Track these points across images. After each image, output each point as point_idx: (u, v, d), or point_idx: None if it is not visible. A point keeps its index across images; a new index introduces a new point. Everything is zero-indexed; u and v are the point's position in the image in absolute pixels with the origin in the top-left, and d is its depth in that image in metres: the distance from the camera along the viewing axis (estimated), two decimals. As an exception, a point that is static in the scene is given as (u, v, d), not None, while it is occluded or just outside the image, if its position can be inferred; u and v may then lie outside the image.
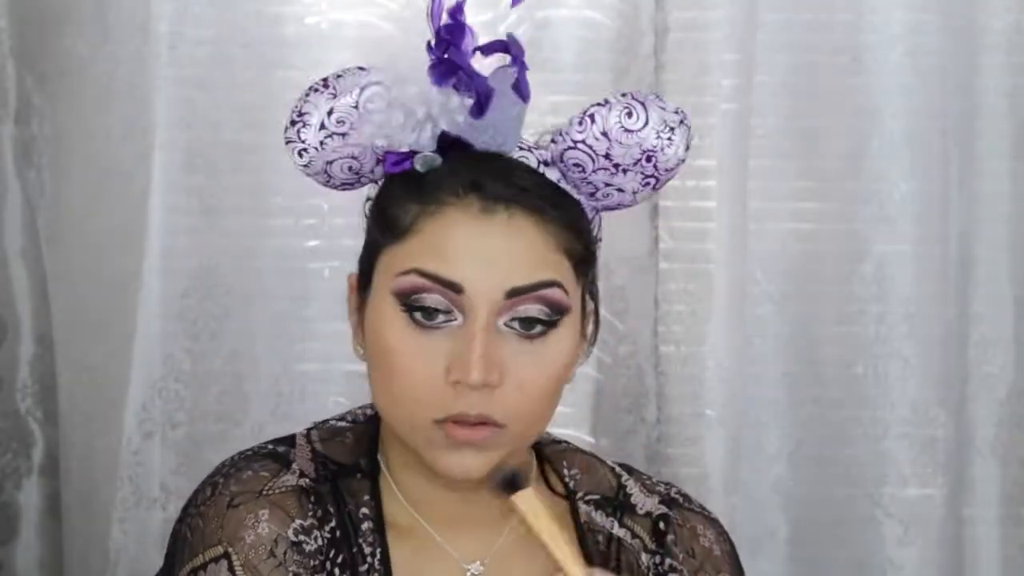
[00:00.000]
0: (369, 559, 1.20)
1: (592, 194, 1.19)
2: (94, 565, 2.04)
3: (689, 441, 2.07)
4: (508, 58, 1.20)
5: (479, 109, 1.16)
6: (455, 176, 1.15)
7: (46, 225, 2.05)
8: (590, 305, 1.23)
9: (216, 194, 2.03)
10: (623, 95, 1.17)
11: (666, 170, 1.18)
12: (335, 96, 1.15)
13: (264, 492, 1.20)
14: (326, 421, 1.28)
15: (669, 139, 1.17)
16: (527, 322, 1.15)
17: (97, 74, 2.00)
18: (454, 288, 1.13)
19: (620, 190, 1.19)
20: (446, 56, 1.15)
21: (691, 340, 2.07)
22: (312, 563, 1.18)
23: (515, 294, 1.14)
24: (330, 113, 1.15)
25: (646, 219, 2.06)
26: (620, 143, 1.16)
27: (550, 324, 1.16)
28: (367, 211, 1.22)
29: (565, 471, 1.30)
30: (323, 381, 2.05)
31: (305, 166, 1.18)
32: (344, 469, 1.23)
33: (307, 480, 1.21)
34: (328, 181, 1.19)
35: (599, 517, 1.29)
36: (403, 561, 1.21)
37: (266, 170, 2.03)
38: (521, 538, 1.23)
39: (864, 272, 2.11)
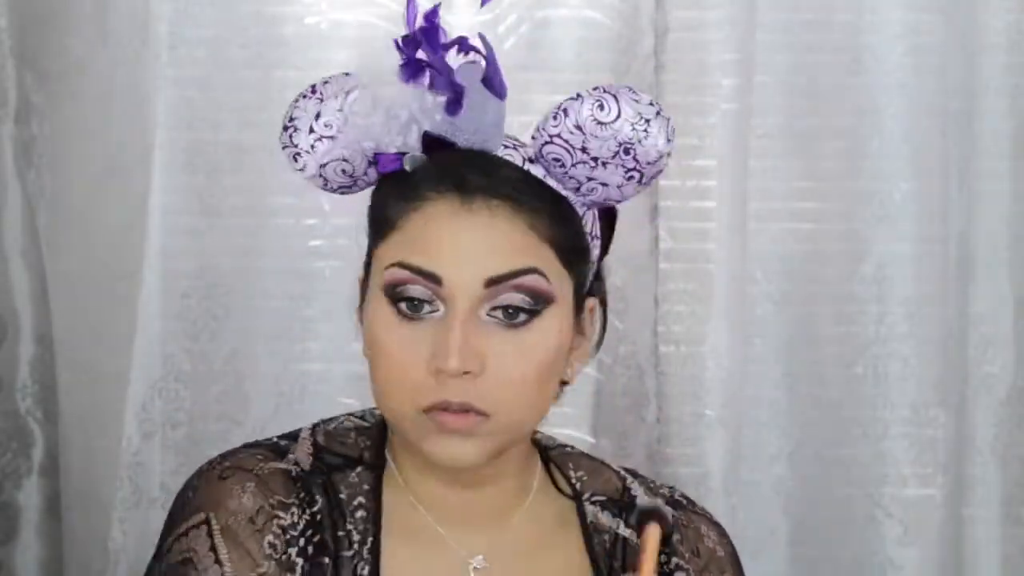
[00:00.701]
0: (357, 546, 1.22)
1: (577, 189, 1.20)
2: (94, 565, 2.04)
3: (689, 441, 2.07)
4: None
5: (454, 107, 1.17)
6: (438, 173, 1.17)
7: (46, 225, 2.05)
8: (590, 303, 1.24)
9: (216, 194, 2.03)
10: (595, 88, 1.17)
11: (648, 163, 1.18)
12: (322, 101, 1.19)
13: (254, 470, 1.22)
14: (335, 418, 1.30)
15: (645, 131, 1.16)
16: (510, 311, 1.17)
17: (97, 74, 2.00)
18: (433, 279, 1.15)
19: (604, 184, 1.19)
20: (415, 55, 1.17)
21: (691, 340, 2.07)
22: (286, 536, 1.20)
23: (493, 283, 1.15)
24: (318, 117, 1.18)
25: (646, 219, 2.06)
26: (595, 136, 1.16)
27: (533, 313, 1.17)
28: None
29: (571, 473, 1.31)
30: (323, 381, 2.05)
31: (300, 170, 1.21)
32: (345, 462, 1.25)
33: (298, 468, 1.23)
34: (325, 185, 1.22)
35: (605, 518, 1.30)
36: (404, 554, 1.22)
37: (266, 170, 2.02)
38: (527, 535, 1.25)
39: (864, 272, 2.11)
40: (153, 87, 2.00)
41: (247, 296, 2.05)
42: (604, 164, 1.17)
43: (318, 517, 1.22)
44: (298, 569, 1.20)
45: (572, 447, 1.35)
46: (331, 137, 1.19)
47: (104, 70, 1.99)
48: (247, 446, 1.27)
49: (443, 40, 1.18)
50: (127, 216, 2.02)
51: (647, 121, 1.16)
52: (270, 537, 1.20)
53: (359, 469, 1.25)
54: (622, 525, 1.29)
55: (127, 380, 2.03)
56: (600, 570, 1.27)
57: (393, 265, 1.17)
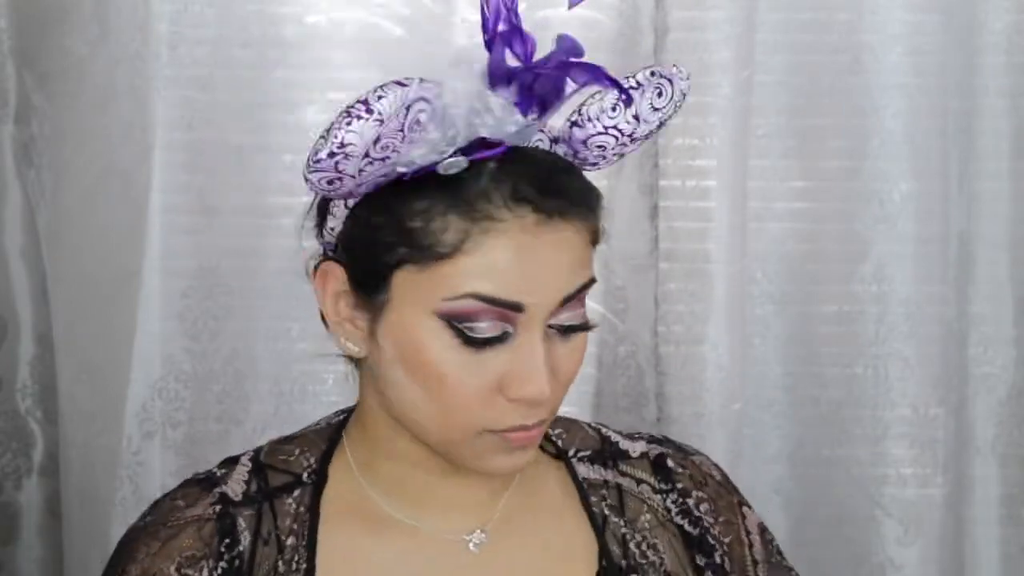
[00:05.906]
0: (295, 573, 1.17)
1: (596, 164, 1.17)
2: (94, 565, 2.03)
3: (689, 441, 2.06)
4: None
5: (545, 111, 1.12)
6: (500, 186, 1.08)
7: (46, 225, 2.05)
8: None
9: (216, 194, 2.03)
10: (651, 75, 1.15)
11: (660, 128, 1.18)
12: (382, 123, 1.03)
13: (167, 523, 1.18)
14: (283, 437, 1.26)
15: (677, 105, 1.16)
16: (568, 327, 1.12)
17: (97, 74, 2.00)
18: (515, 308, 1.08)
19: (621, 155, 1.17)
20: (504, 62, 1.10)
21: (691, 340, 2.07)
22: None
23: (567, 301, 1.11)
24: (376, 141, 1.04)
25: (646, 219, 2.06)
26: (647, 122, 1.14)
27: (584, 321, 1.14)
28: (346, 206, 1.15)
29: (550, 431, 1.29)
30: (323, 381, 2.05)
31: (331, 190, 1.08)
32: (286, 482, 1.21)
33: (219, 507, 1.18)
34: (336, 194, 1.11)
35: (597, 471, 1.27)
36: (392, 555, 1.19)
37: (266, 170, 2.03)
38: (520, 506, 1.22)
39: (864, 272, 2.11)
40: (153, 87, 2.00)
41: (247, 296, 2.05)
42: (636, 141, 1.16)
43: (236, 563, 1.17)
44: None
45: None
46: (383, 158, 1.06)
47: (104, 70, 1.99)
48: (182, 484, 1.22)
49: (530, 46, 1.10)
50: (127, 216, 2.02)
51: (684, 95, 1.16)
52: None
53: (296, 492, 1.20)
54: (617, 475, 1.27)
55: (127, 380, 2.03)
56: (599, 527, 1.24)
57: (464, 296, 1.08)
